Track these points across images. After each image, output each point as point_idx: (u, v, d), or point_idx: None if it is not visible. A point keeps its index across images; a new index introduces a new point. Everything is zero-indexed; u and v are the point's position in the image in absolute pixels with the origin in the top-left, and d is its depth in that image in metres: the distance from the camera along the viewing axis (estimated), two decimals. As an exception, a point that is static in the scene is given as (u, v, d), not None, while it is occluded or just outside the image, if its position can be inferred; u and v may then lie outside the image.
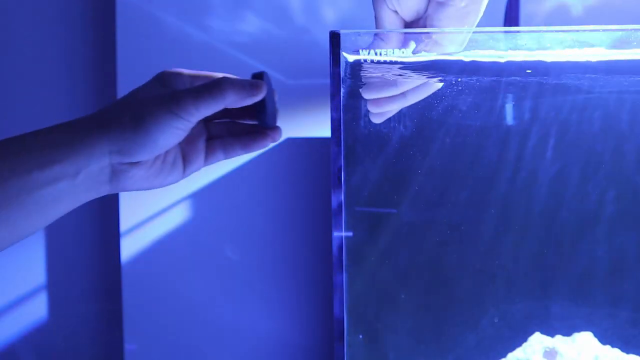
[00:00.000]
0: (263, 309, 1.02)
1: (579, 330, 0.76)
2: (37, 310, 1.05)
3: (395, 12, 0.57)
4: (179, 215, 1.00)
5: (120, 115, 0.51)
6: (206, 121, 0.58)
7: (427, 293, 0.78)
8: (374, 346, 0.76)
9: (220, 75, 0.57)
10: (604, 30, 0.56)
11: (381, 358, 0.76)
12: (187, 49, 0.98)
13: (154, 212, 1.00)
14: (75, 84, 1.04)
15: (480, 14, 0.57)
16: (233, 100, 0.53)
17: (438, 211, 0.76)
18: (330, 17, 0.99)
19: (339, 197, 0.57)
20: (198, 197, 1.00)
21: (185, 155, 0.57)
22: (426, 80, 0.59)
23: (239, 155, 0.59)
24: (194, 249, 1.01)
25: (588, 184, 0.75)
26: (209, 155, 0.58)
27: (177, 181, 0.56)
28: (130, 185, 0.53)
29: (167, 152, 0.55)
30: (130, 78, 0.96)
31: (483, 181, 0.75)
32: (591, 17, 0.96)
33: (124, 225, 0.99)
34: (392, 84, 0.58)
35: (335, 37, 0.56)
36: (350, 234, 0.59)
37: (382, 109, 0.59)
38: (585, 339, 0.75)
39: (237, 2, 0.99)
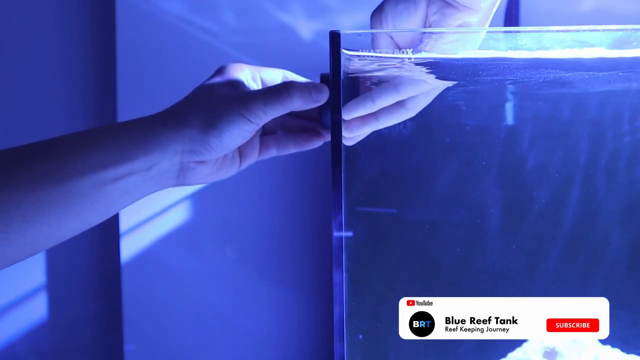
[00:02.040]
0: (263, 308, 1.02)
1: (579, 330, 0.76)
2: (37, 310, 1.05)
3: (391, 37, 0.58)
4: (179, 215, 1.00)
5: (194, 117, 0.53)
6: None
7: (427, 293, 0.78)
8: (374, 346, 0.76)
9: (281, 72, 0.59)
10: (604, 30, 0.56)
11: (381, 358, 0.76)
12: (187, 49, 0.98)
13: (154, 212, 1.00)
14: (75, 84, 1.04)
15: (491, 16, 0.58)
16: (299, 105, 0.56)
17: (438, 211, 0.76)
18: (330, 16, 0.99)
19: (339, 197, 0.56)
20: (198, 197, 1.00)
21: (242, 151, 0.59)
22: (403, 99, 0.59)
23: (291, 152, 0.61)
24: (194, 249, 1.01)
25: (590, 184, 0.75)
26: (263, 151, 0.61)
27: (233, 174, 0.59)
28: (194, 181, 0.56)
29: None
30: (130, 78, 0.96)
31: (482, 180, 0.75)
32: (591, 17, 0.96)
33: (124, 225, 0.99)
34: (369, 100, 0.58)
35: (335, 37, 0.56)
36: (351, 234, 0.59)
37: (352, 133, 0.60)
38: (585, 339, 0.75)
39: (238, 2, 0.99)
